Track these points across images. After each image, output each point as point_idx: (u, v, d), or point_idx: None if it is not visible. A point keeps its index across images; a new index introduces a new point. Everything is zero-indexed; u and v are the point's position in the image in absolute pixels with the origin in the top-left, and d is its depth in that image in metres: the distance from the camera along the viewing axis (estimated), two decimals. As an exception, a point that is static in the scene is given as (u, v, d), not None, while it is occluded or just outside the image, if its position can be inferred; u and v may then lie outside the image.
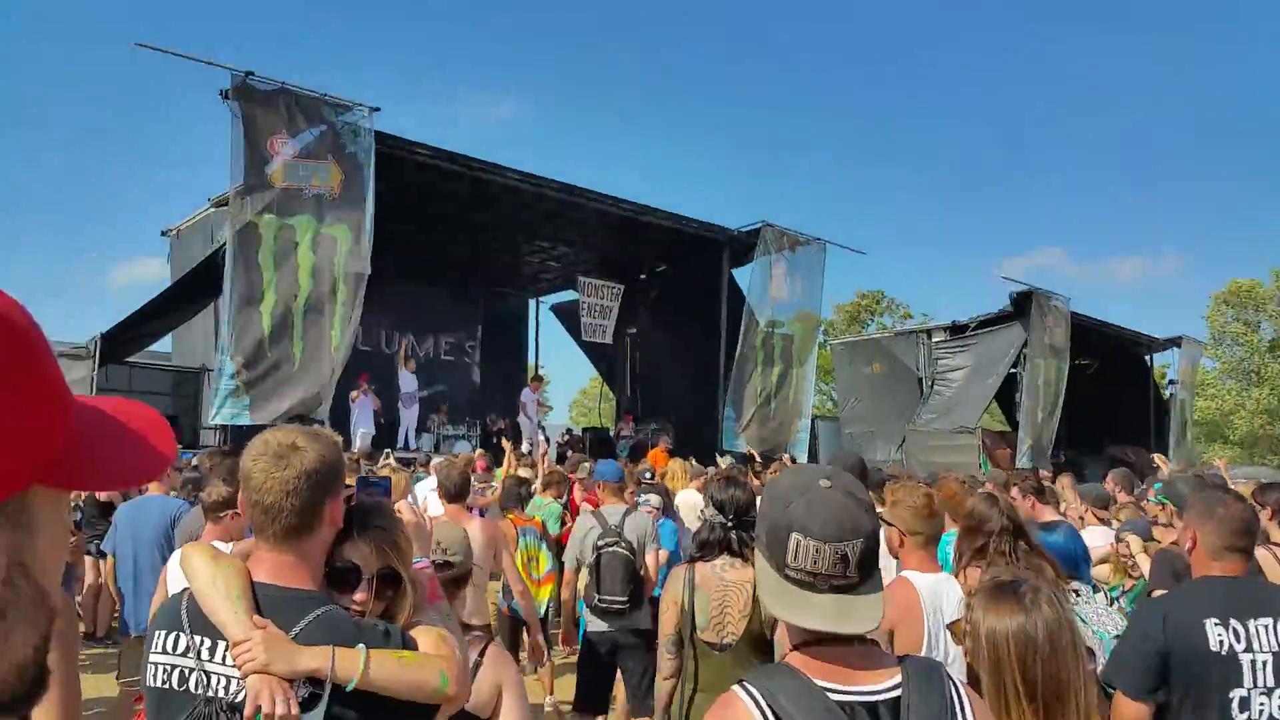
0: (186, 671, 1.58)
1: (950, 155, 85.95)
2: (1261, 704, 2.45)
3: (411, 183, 13.28)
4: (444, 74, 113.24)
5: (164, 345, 16.94)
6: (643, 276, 19.01)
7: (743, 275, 16.93)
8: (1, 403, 0.53)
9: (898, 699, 1.42)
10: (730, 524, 3.50)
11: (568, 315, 20.80)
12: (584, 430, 21.23)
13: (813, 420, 17.97)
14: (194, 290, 12.75)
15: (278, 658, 1.50)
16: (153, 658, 1.62)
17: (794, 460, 13.65)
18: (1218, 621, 2.50)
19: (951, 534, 3.80)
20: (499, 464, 9.82)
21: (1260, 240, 66.38)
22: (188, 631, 1.60)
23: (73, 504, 7.53)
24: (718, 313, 16.16)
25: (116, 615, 6.86)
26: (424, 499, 6.14)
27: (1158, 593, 3.78)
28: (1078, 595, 3.15)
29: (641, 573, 5.07)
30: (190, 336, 15.34)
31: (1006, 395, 19.23)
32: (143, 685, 1.64)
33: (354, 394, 13.71)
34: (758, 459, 11.63)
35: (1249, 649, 2.48)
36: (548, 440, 16.26)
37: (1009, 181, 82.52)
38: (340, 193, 11.08)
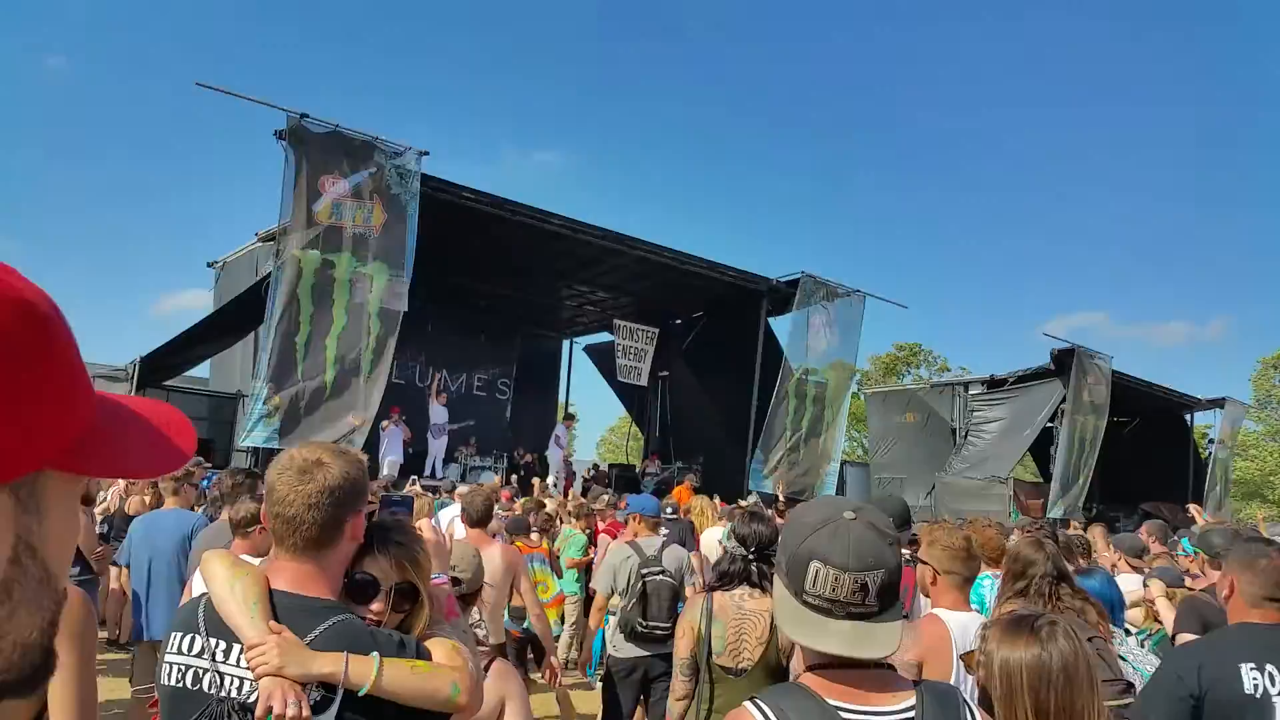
0: (201, 672, 1.60)
1: (996, 213, 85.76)
2: None
3: (455, 224, 13.49)
4: (488, 125, 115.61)
5: (202, 371, 17.28)
6: (678, 322, 19.09)
7: (779, 324, 17.00)
8: (17, 384, 0.54)
9: None
10: (751, 556, 3.55)
11: (601, 355, 20.96)
12: (610, 466, 21.24)
13: (841, 465, 17.85)
14: (235, 319, 13.05)
15: (291, 661, 1.52)
16: (168, 658, 1.65)
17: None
18: (1253, 666, 2.51)
19: (985, 576, 3.80)
20: (525, 494, 10.03)
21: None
22: (203, 634, 1.63)
23: (101, 517, 7.66)
24: (752, 359, 16.15)
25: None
26: (448, 524, 6.20)
27: (1183, 637, 3.80)
28: (1115, 637, 3.17)
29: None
30: (229, 363, 15.65)
31: (1041, 449, 19.19)
32: (157, 684, 1.67)
33: (385, 424, 13.95)
34: (782, 500, 11.57)
35: None
36: (573, 474, 16.31)
37: (1054, 243, 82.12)
38: (382, 232, 11.33)
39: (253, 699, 1.52)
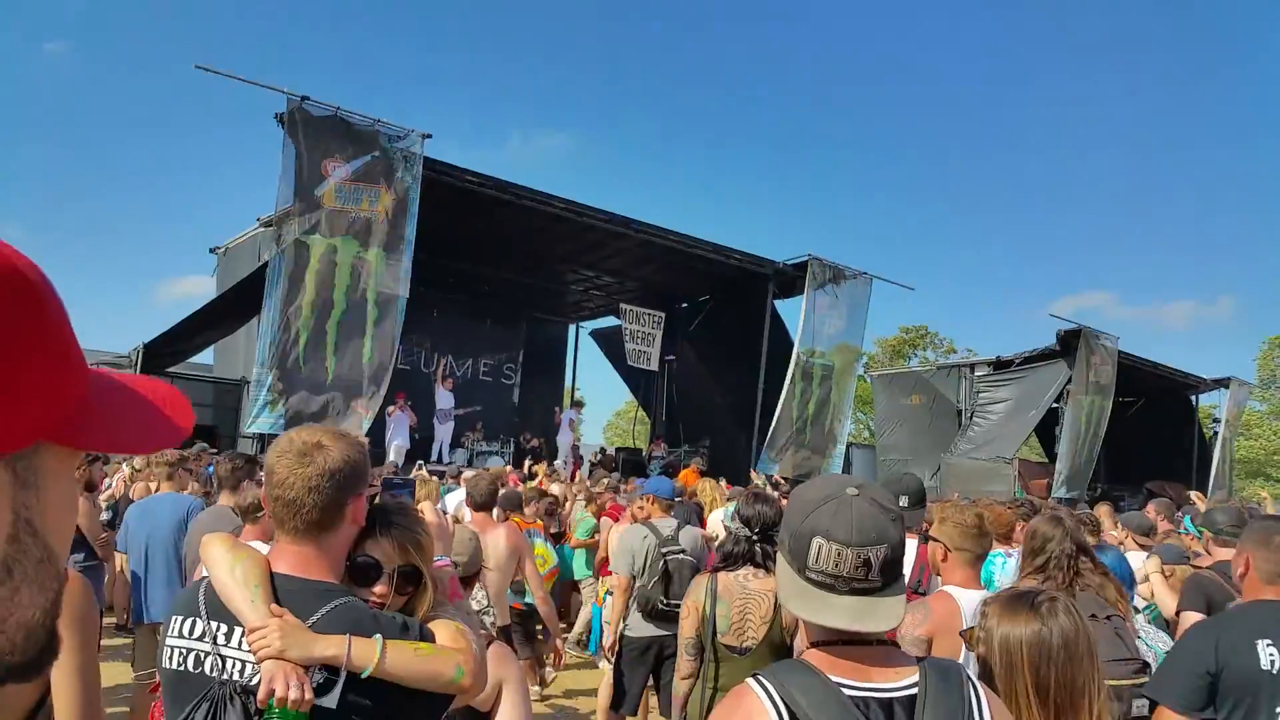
0: (202, 655, 1.60)
1: (1002, 195, 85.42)
2: None
3: (459, 209, 13.45)
4: (492, 108, 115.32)
5: (206, 357, 17.31)
6: (684, 305, 19.08)
7: (785, 306, 16.99)
8: (8, 353, 0.53)
9: (914, 696, 1.40)
10: (755, 537, 3.56)
11: (607, 340, 20.98)
12: (617, 450, 21.32)
13: (848, 448, 17.87)
14: (238, 305, 13.03)
15: (293, 644, 1.52)
16: (169, 641, 1.64)
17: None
18: (1269, 642, 2.54)
19: (996, 554, 3.81)
20: (531, 479, 10.12)
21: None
22: (204, 617, 1.62)
23: (105, 505, 7.68)
24: (758, 342, 16.13)
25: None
26: (455, 509, 6.23)
27: (1187, 615, 3.83)
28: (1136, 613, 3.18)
29: None
30: (232, 349, 15.67)
31: (1046, 429, 19.23)
32: (159, 668, 1.66)
33: (391, 409, 13.98)
34: (783, 482, 11.61)
35: None
36: (581, 459, 16.37)
37: (1060, 223, 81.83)
38: (386, 217, 11.29)
39: (255, 682, 1.52)
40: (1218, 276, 77.49)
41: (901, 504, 3.90)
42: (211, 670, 1.57)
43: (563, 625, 8.87)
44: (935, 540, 3.14)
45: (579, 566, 8.69)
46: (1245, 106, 71.53)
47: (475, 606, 3.66)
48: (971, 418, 18.51)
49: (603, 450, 21.33)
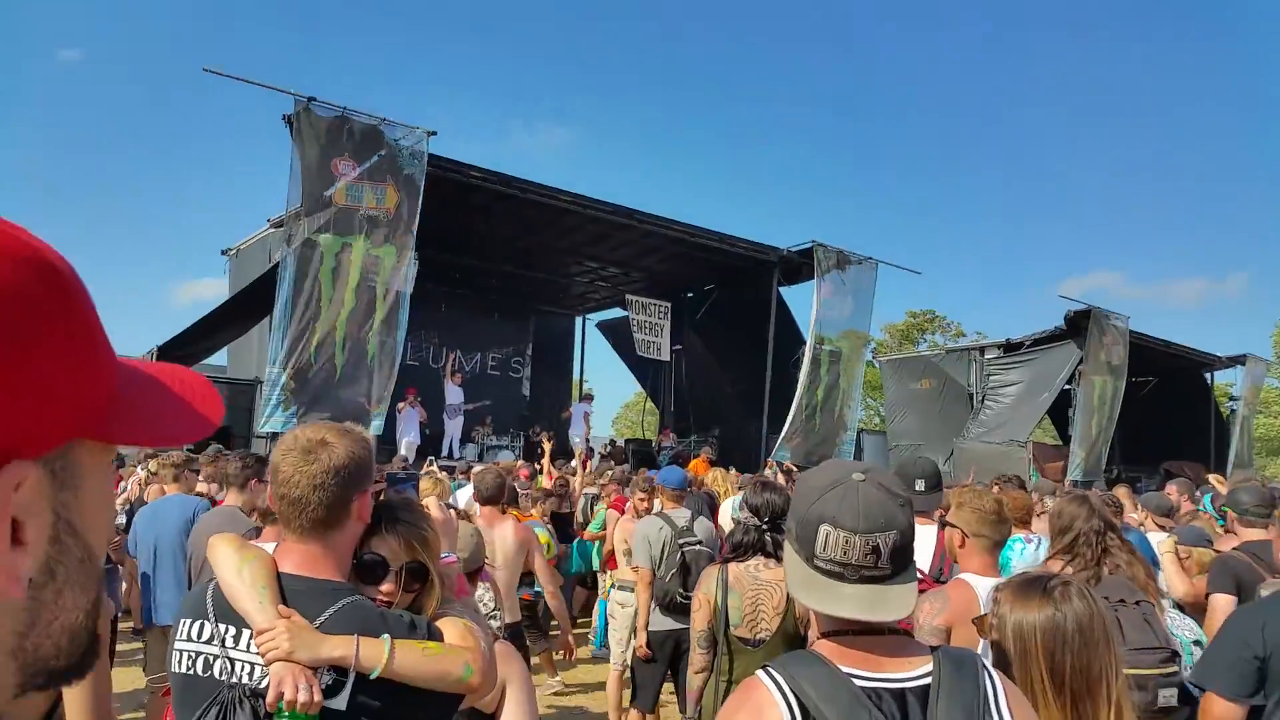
0: (211, 658, 1.59)
1: (1006, 177, 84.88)
2: None
3: (464, 204, 13.45)
4: (495, 102, 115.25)
5: (219, 359, 17.34)
6: (690, 295, 19.04)
7: (791, 293, 16.93)
8: (42, 347, 0.51)
9: (928, 686, 1.38)
10: (765, 526, 3.52)
11: (614, 332, 20.95)
12: (626, 442, 21.33)
13: (858, 434, 17.81)
14: (250, 306, 13.06)
15: (301, 646, 1.51)
16: (178, 645, 1.64)
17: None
18: None
19: (1015, 539, 3.78)
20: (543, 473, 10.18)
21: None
22: (213, 620, 1.62)
23: (121, 508, 7.71)
24: (765, 330, 16.07)
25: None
26: (465, 504, 6.23)
27: (1217, 597, 3.78)
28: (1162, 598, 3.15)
29: None
30: (246, 350, 15.69)
31: (1060, 411, 19.08)
32: (168, 671, 1.65)
33: (400, 405, 14.03)
34: (795, 469, 11.59)
35: None
36: (591, 452, 16.36)
37: (1067, 203, 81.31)
38: (394, 214, 11.31)
39: (264, 685, 1.51)
40: (1228, 253, 76.97)
41: (918, 488, 3.85)
42: (220, 674, 1.57)
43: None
44: (952, 526, 3.08)
45: (594, 560, 8.74)
46: (1248, 78, 70.82)
47: (481, 609, 3.65)
48: (983, 401, 18.38)
49: (612, 442, 21.33)
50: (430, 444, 14.68)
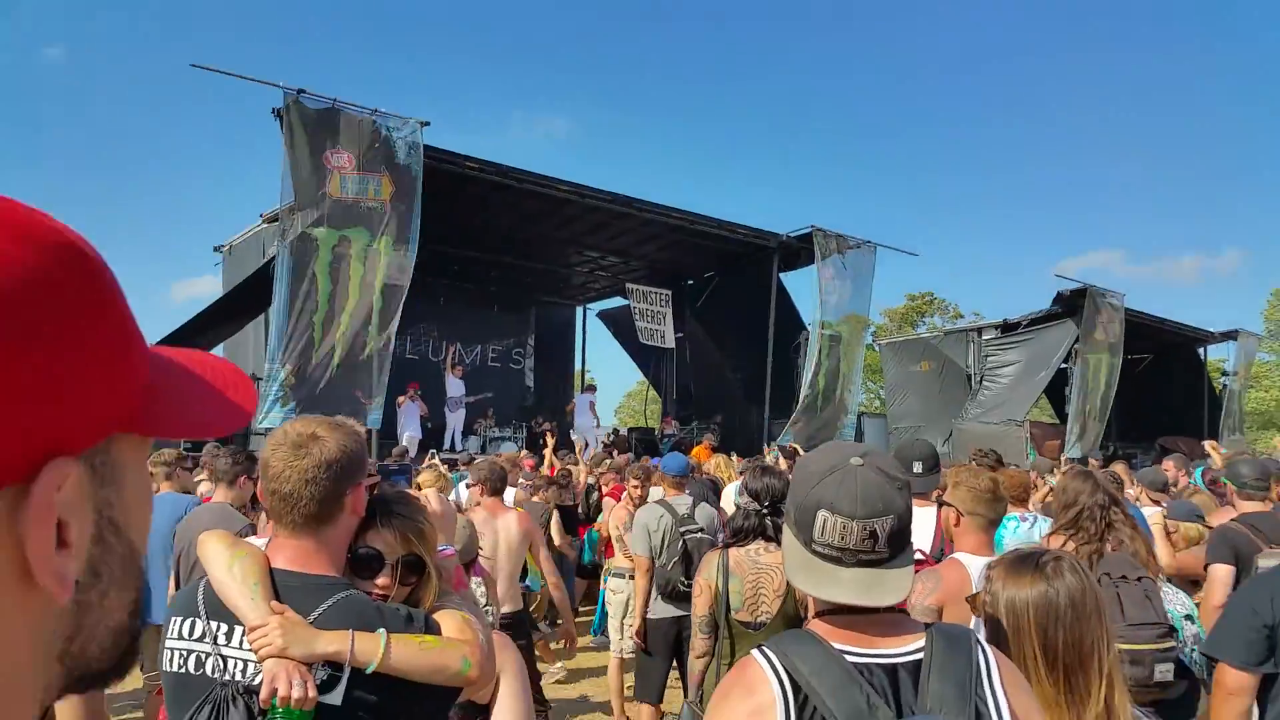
0: (203, 656, 1.57)
1: (1001, 157, 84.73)
2: None
3: (461, 196, 13.37)
4: (491, 93, 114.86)
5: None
6: (690, 283, 19.02)
7: (790, 279, 16.92)
8: (80, 335, 0.49)
9: (919, 661, 1.38)
10: (765, 511, 3.53)
11: (614, 321, 20.93)
12: (629, 430, 21.35)
13: (859, 417, 17.83)
14: (245, 302, 13.02)
15: (295, 641, 1.49)
16: (169, 643, 1.62)
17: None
18: None
19: (1010, 517, 3.78)
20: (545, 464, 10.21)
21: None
22: (204, 617, 1.60)
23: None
24: (765, 316, 16.07)
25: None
26: (466, 499, 6.23)
27: (1215, 568, 3.85)
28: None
29: None
30: (242, 347, 15.65)
31: (1056, 389, 19.15)
32: (160, 670, 1.64)
33: (401, 399, 14.03)
34: (798, 451, 11.60)
35: None
36: (591, 442, 16.36)
37: (1063, 183, 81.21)
38: (392, 206, 11.24)
39: (257, 682, 1.49)
40: (1223, 230, 76.89)
41: (915, 470, 3.85)
42: (213, 671, 1.55)
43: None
44: (947, 505, 3.08)
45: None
46: (1253, 56, 70.58)
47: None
48: (981, 382, 18.43)
49: (615, 431, 21.36)
50: (432, 437, 14.66)
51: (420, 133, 11.47)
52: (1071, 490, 3.28)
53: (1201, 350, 22.72)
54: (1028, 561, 1.83)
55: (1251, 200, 70.92)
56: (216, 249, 16.93)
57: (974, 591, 1.93)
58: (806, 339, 15.99)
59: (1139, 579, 2.74)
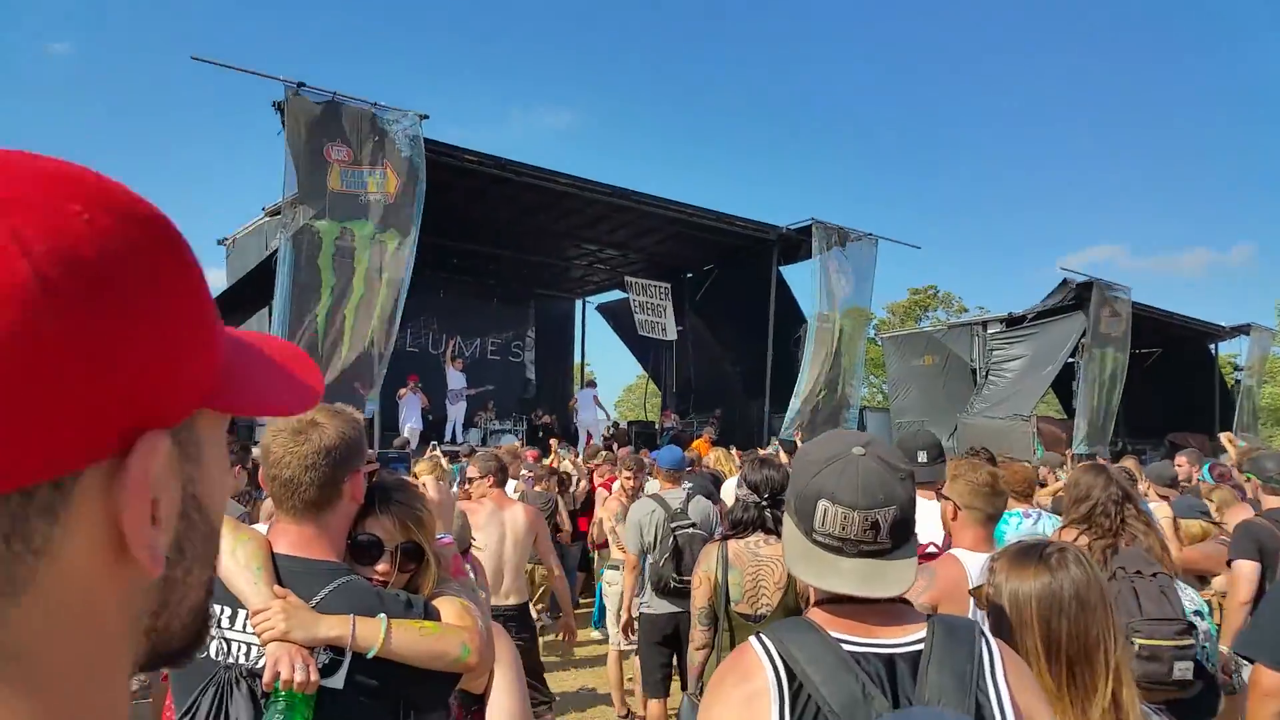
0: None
1: (1005, 150, 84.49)
2: None
3: (461, 189, 13.37)
4: (491, 86, 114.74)
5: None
6: (689, 275, 19.01)
7: (791, 272, 16.88)
8: (169, 309, 0.48)
9: (919, 652, 1.36)
10: (764, 503, 3.52)
11: (614, 314, 20.93)
12: (629, 424, 21.38)
13: (861, 411, 17.80)
14: (248, 295, 13.04)
15: (297, 626, 1.50)
16: None
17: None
18: None
19: (1012, 513, 3.73)
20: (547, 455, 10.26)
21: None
22: None
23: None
24: (765, 309, 16.06)
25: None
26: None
27: (1239, 563, 3.81)
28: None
29: None
30: (246, 340, 15.69)
31: (1064, 384, 19.05)
32: None
33: (401, 391, 14.07)
34: (800, 442, 11.60)
35: None
36: (595, 436, 16.39)
37: (1068, 176, 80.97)
38: (395, 198, 11.24)
39: (260, 665, 1.51)
40: (1231, 224, 76.64)
41: (920, 459, 3.81)
42: (216, 654, 1.57)
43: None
44: (946, 498, 3.04)
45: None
46: (1259, 46, 70.29)
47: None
48: (986, 376, 18.31)
49: (615, 425, 21.38)
50: (433, 429, 14.71)
51: (420, 125, 11.47)
52: (1084, 484, 3.21)
53: (1212, 346, 22.57)
54: (1031, 553, 1.81)
55: (1260, 195, 70.70)
56: (220, 242, 16.94)
57: (970, 587, 1.92)
58: (806, 332, 15.98)
59: (1154, 574, 2.69)
